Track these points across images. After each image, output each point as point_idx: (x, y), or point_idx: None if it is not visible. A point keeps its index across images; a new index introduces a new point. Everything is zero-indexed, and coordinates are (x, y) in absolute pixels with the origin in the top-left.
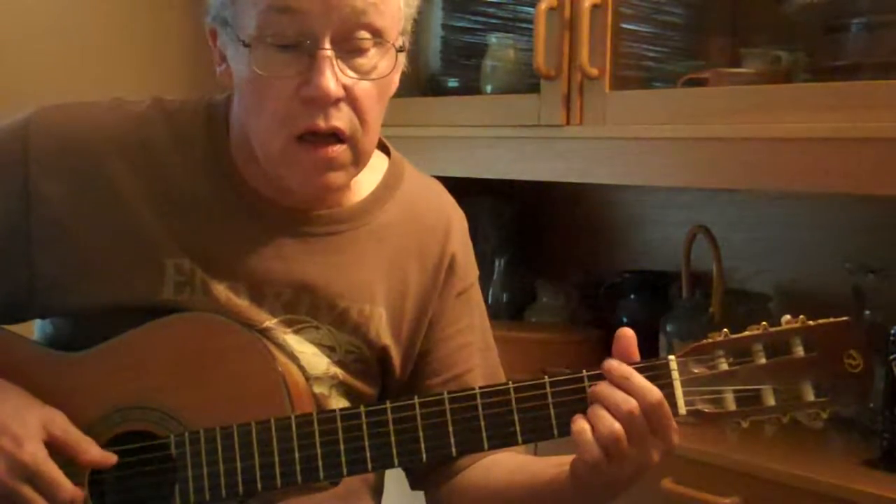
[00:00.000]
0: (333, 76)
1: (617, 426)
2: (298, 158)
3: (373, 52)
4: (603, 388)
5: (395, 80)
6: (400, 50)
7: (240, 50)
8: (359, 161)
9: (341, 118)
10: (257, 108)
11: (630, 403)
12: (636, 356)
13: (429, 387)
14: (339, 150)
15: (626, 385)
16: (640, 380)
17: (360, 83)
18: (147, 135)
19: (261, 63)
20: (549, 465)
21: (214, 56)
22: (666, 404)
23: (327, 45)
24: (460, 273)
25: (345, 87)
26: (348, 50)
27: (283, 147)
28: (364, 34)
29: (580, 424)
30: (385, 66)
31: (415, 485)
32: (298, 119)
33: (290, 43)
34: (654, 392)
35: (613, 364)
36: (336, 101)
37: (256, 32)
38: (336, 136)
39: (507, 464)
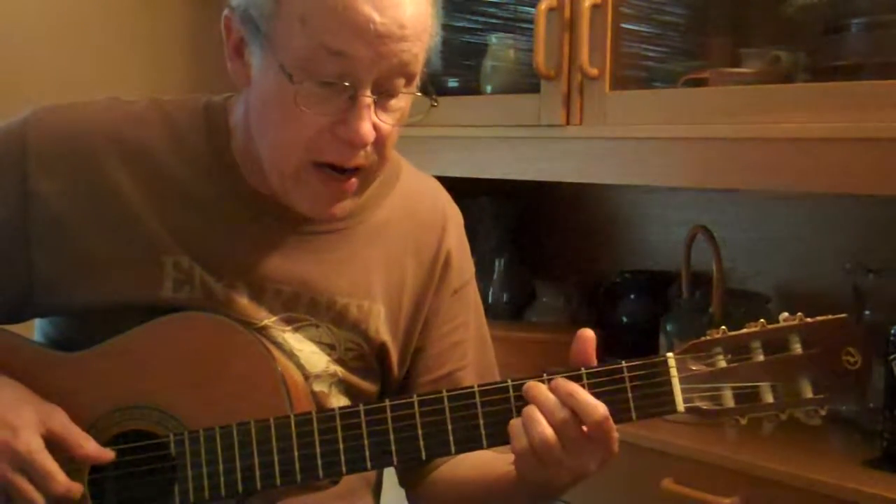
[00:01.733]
0: (370, 122)
1: (549, 432)
2: (312, 183)
3: (402, 92)
4: (539, 390)
5: None
6: None
7: (274, 70)
8: (366, 187)
9: (366, 157)
10: (281, 127)
11: (563, 413)
12: (593, 360)
13: (420, 384)
14: (353, 182)
15: (570, 402)
16: (584, 396)
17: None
18: (145, 134)
19: (301, 95)
20: (504, 462)
21: (226, 49)
22: (610, 419)
23: (369, 92)
24: (456, 270)
25: (375, 128)
26: (385, 94)
27: (299, 168)
28: (401, 80)
29: (517, 424)
30: (408, 104)
31: (401, 482)
32: (325, 151)
33: (331, 81)
34: (598, 409)
35: (559, 382)
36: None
37: (299, 64)
38: (354, 170)
39: (473, 459)
